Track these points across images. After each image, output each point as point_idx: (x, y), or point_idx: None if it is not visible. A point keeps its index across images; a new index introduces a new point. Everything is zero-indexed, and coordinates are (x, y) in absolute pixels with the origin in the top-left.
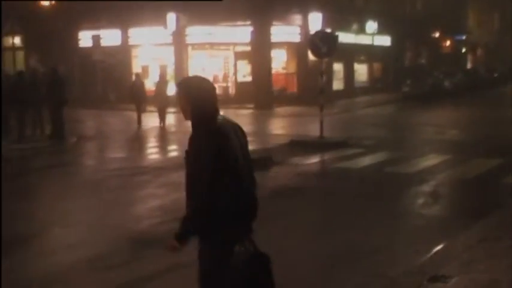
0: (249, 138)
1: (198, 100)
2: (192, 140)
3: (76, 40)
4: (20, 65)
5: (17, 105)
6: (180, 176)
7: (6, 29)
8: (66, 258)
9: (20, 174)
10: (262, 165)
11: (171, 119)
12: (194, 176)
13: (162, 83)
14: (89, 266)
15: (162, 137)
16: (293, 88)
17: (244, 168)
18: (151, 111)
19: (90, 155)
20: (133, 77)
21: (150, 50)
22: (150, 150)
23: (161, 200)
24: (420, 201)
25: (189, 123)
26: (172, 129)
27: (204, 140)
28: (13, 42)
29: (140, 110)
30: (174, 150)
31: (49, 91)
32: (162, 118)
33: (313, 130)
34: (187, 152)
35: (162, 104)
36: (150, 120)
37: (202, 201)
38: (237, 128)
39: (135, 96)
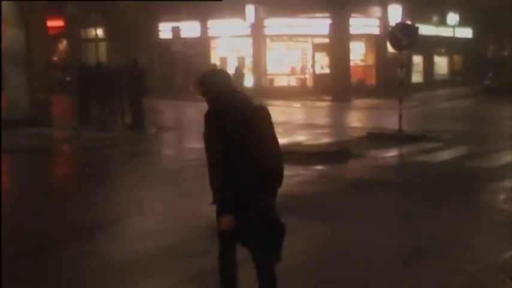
0: (326, 131)
1: (214, 93)
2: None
3: (156, 32)
4: (103, 56)
5: (98, 95)
6: None
7: (89, 21)
8: (145, 246)
9: (100, 163)
10: (339, 157)
11: None
12: (207, 157)
13: (238, 74)
14: (168, 254)
15: None
16: (371, 80)
17: (253, 145)
18: None
19: (169, 145)
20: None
21: (229, 41)
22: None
23: None
24: (502, 196)
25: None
26: None
27: (208, 123)
28: (96, 34)
29: None
30: None
31: (130, 82)
32: None
33: (391, 123)
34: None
35: None
36: None
37: (215, 180)
38: (257, 109)
39: None
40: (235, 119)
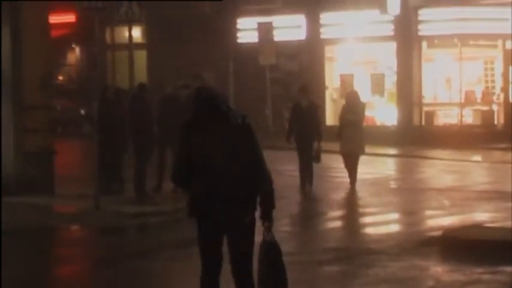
0: None
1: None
2: None
3: (233, 31)
4: (141, 73)
5: (132, 140)
6: (406, 268)
7: (119, 15)
8: None
9: (134, 257)
10: None
11: (381, 165)
12: None
13: (352, 104)
14: None
15: (359, 199)
16: None
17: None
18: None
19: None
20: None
21: (357, 48)
22: (339, 223)
23: None
24: None
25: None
26: (385, 186)
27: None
28: (130, 36)
29: (308, 157)
30: (387, 224)
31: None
32: (351, 167)
33: None
34: None
35: (349, 144)
36: (327, 168)
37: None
38: (234, 126)
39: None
40: (201, 135)
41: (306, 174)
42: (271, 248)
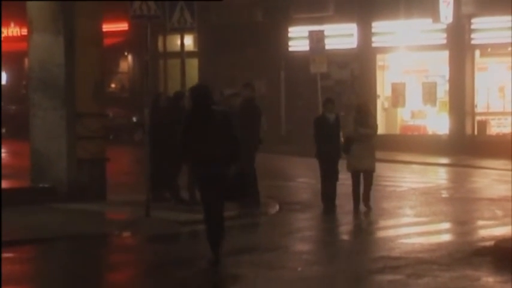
0: None
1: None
2: None
3: (285, 40)
4: (192, 81)
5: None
6: (457, 278)
7: (172, 23)
8: None
9: (184, 265)
10: None
11: (432, 174)
12: None
13: (362, 116)
14: None
15: (410, 208)
16: None
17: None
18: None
19: (304, 237)
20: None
21: (408, 56)
22: (389, 232)
23: None
24: None
25: None
26: (436, 195)
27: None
28: (182, 45)
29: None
30: (438, 233)
31: (241, 124)
32: (360, 186)
33: None
34: None
35: (361, 160)
36: (378, 177)
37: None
38: (220, 114)
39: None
40: (195, 120)
41: (329, 192)
42: (237, 175)
